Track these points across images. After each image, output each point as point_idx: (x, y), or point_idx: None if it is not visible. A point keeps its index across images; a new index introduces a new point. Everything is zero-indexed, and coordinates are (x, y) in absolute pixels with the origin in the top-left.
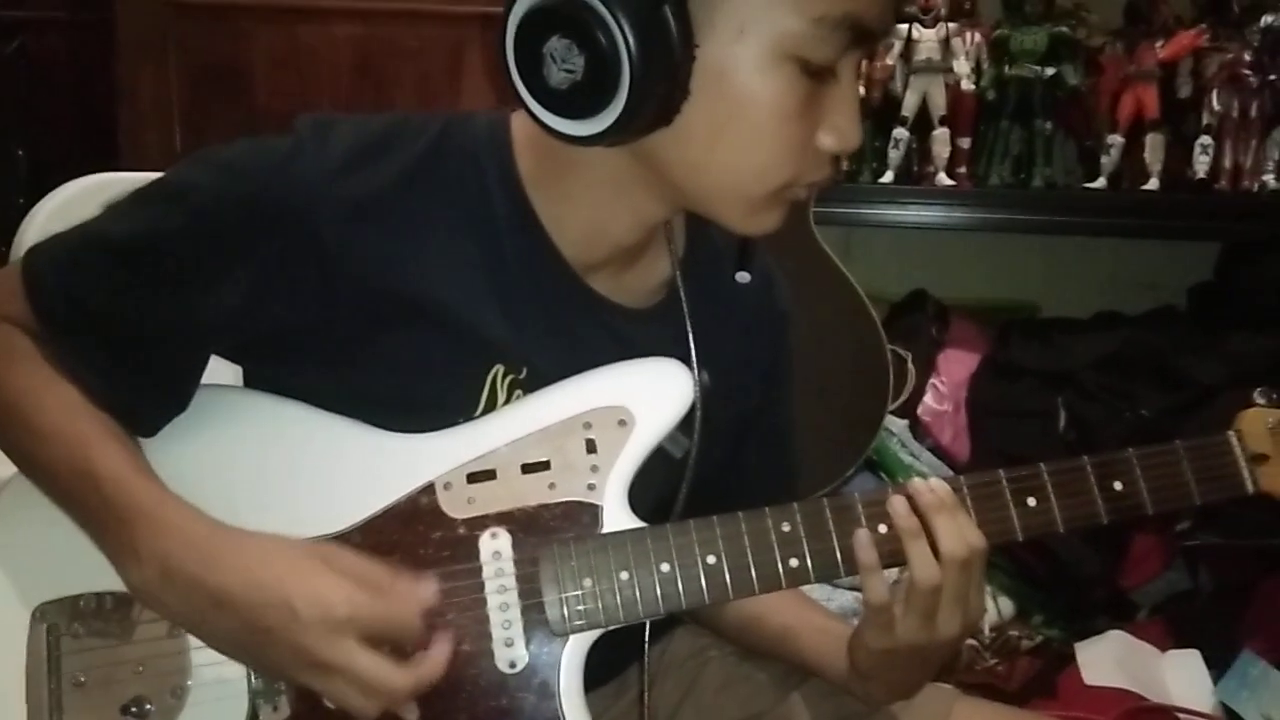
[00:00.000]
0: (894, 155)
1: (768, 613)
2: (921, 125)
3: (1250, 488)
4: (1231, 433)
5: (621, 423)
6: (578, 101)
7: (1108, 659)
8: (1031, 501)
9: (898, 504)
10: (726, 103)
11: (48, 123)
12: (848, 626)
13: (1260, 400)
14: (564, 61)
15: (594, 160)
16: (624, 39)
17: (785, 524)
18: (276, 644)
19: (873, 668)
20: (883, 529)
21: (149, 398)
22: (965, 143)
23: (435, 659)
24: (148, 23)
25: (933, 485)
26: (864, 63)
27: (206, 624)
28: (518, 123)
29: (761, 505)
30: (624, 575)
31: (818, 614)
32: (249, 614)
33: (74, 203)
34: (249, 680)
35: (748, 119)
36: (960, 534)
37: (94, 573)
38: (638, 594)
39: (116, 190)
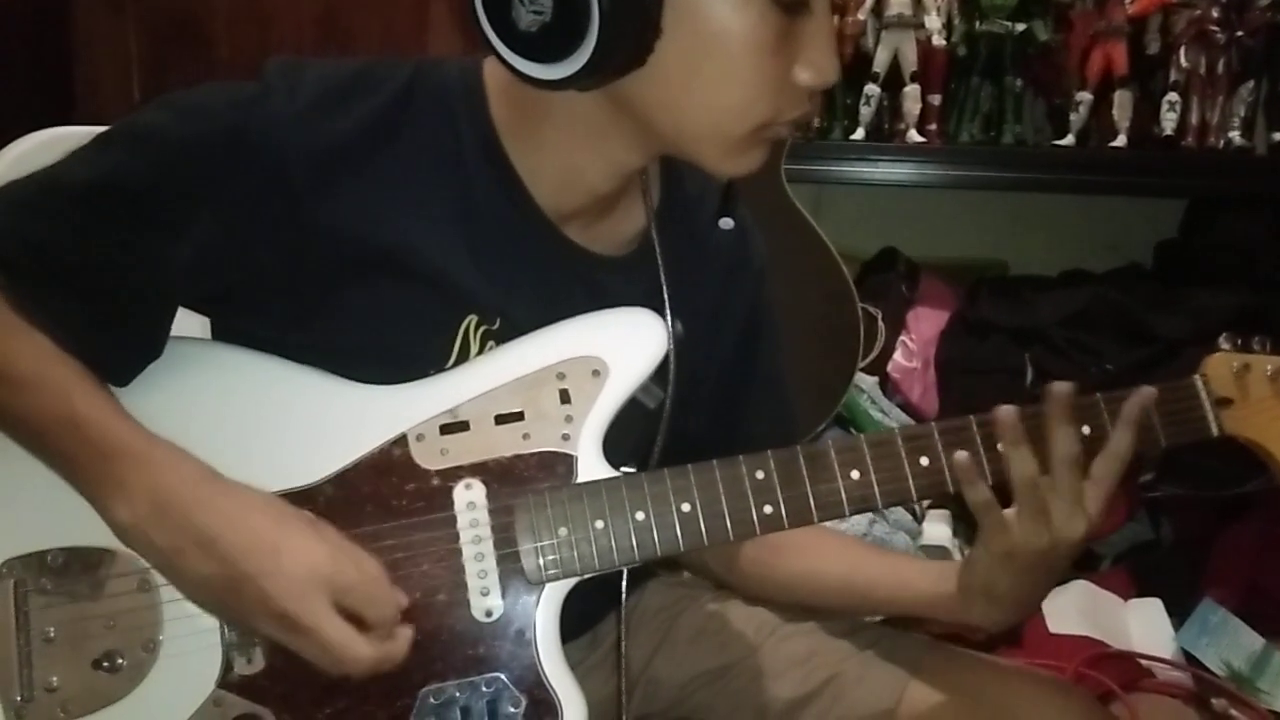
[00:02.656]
0: (865, 112)
1: (822, 564)
2: (893, 82)
3: (1215, 430)
4: (1197, 376)
5: (595, 373)
6: (548, 44)
7: (1071, 608)
8: (1001, 447)
9: (1006, 412)
10: (700, 39)
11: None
12: (918, 558)
13: (1226, 345)
14: (532, 3)
15: (568, 106)
16: None
17: (759, 471)
18: (251, 591)
19: (992, 577)
20: (855, 475)
21: (119, 345)
22: (936, 99)
23: (400, 641)
24: None
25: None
26: (836, 18)
27: (185, 565)
28: (490, 70)
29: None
30: (599, 524)
31: (884, 556)
32: (232, 557)
33: (29, 157)
34: (223, 633)
35: (723, 54)
36: (1071, 436)
37: (62, 528)
38: (613, 542)
39: (74, 144)
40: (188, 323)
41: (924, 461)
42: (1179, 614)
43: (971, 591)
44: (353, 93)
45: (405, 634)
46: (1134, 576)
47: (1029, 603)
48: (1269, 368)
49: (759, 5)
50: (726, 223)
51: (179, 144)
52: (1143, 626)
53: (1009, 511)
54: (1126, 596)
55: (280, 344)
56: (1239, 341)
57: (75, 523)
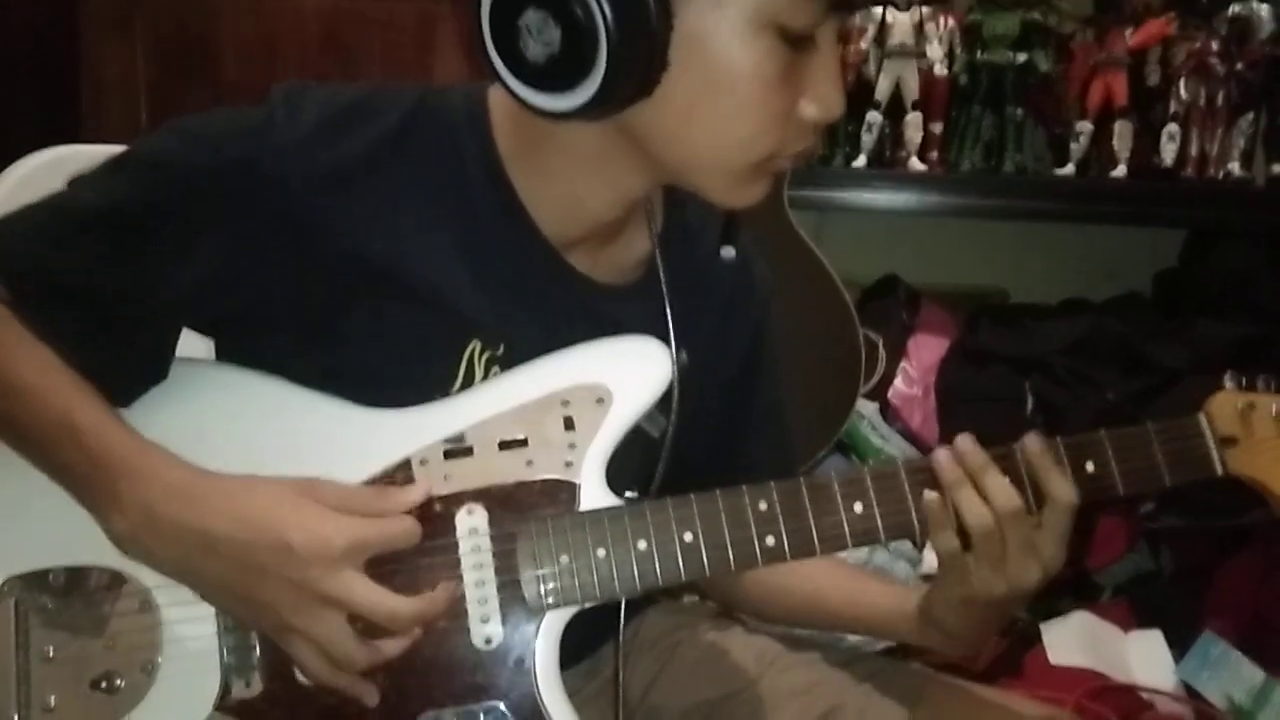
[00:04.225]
0: (867, 139)
1: (790, 581)
2: (894, 110)
3: (1220, 469)
4: (1201, 415)
5: (600, 400)
6: (555, 75)
7: (1072, 639)
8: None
9: (942, 457)
10: (707, 73)
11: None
12: (882, 578)
13: (1230, 384)
14: (540, 35)
15: (573, 134)
16: (599, 10)
17: (762, 503)
18: (270, 582)
19: (948, 618)
20: (858, 508)
21: (124, 367)
22: (937, 128)
23: (437, 596)
24: None
25: (971, 447)
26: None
27: (196, 570)
28: (495, 97)
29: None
30: (601, 552)
31: (851, 573)
32: (241, 553)
33: (36, 176)
34: (221, 655)
35: (728, 88)
36: (1006, 488)
37: (64, 547)
38: (614, 571)
39: (80, 164)
40: (193, 343)
41: (928, 495)
42: (1180, 646)
43: (928, 623)
44: (357, 118)
45: (441, 592)
46: (1135, 607)
47: (983, 638)
48: (1274, 407)
49: (767, 41)
50: (728, 252)
51: (185, 171)
52: (1143, 658)
53: (969, 557)
54: (1127, 628)
55: (285, 367)
56: (1243, 380)
57: (77, 542)
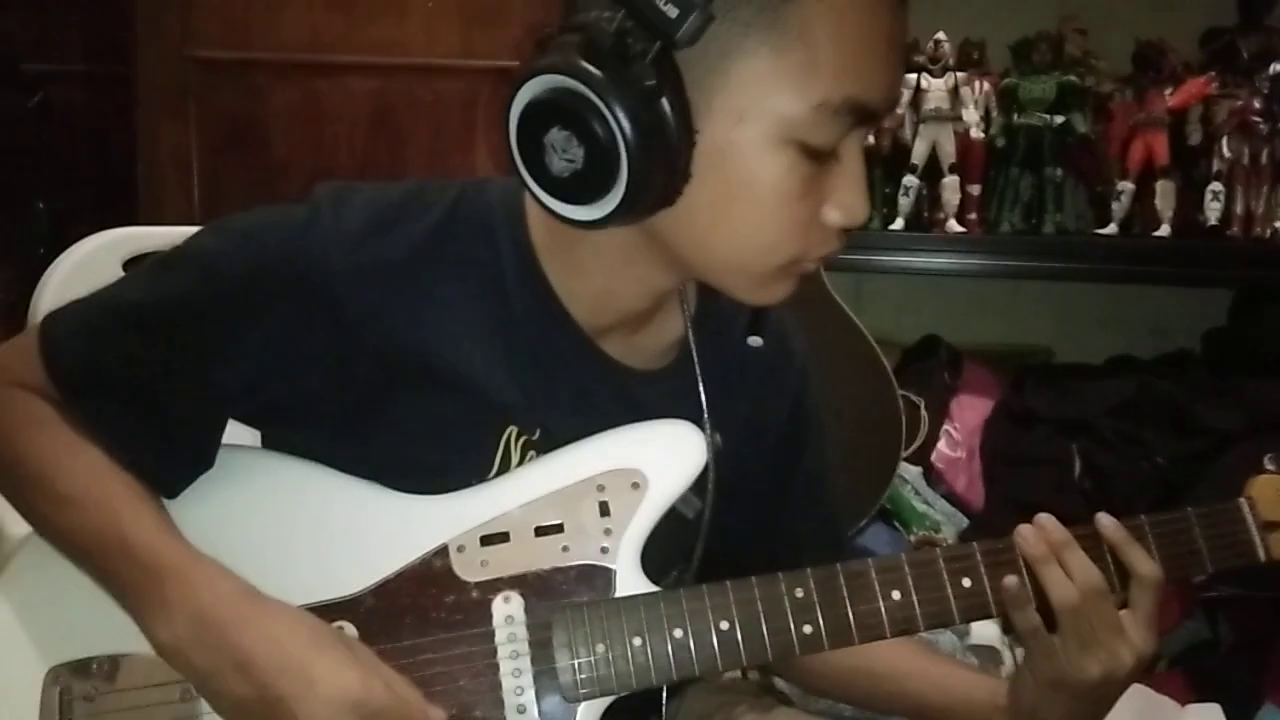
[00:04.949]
0: (904, 202)
1: (876, 665)
2: (931, 172)
3: (1263, 555)
4: (1243, 500)
5: (635, 485)
6: (580, 189)
7: (1127, 714)
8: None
9: (1027, 533)
10: (729, 185)
11: (68, 176)
12: (973, 668)
13: (1271, 467)
14: (564, 152)
15: (603, 235)
16: (621, 131)
17: (799, 590)
18: (284, 713)
19: (1040, 706)
20: (896, 595)
21: (171, 460)
22: (975, 189)
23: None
24: (168, 77)
25: (1054, 524)
26: None
27: (222, 685)
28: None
29: (812, 560)
30: (637, 641)
31: (936, 659)
32: (267, 679)
33: (94, 256)
34: None
35: (750, 200)
36: (1088, 565)
37: (108, 635)
38: (650, 660)
39: (135, 244)
40: (239, 431)
41: (966, 583)
42: (1239, 719)
43: (1020, 715)
44: (401, 216)
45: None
46: (1191, 679)
47: None
48: None
49: (789, 156)
50: (755, 341)
51: (230, 270)
52: None
53: (1055, 638)
54: (1184, 701)
55: (327, 455)
56: None
57: (121, 630)
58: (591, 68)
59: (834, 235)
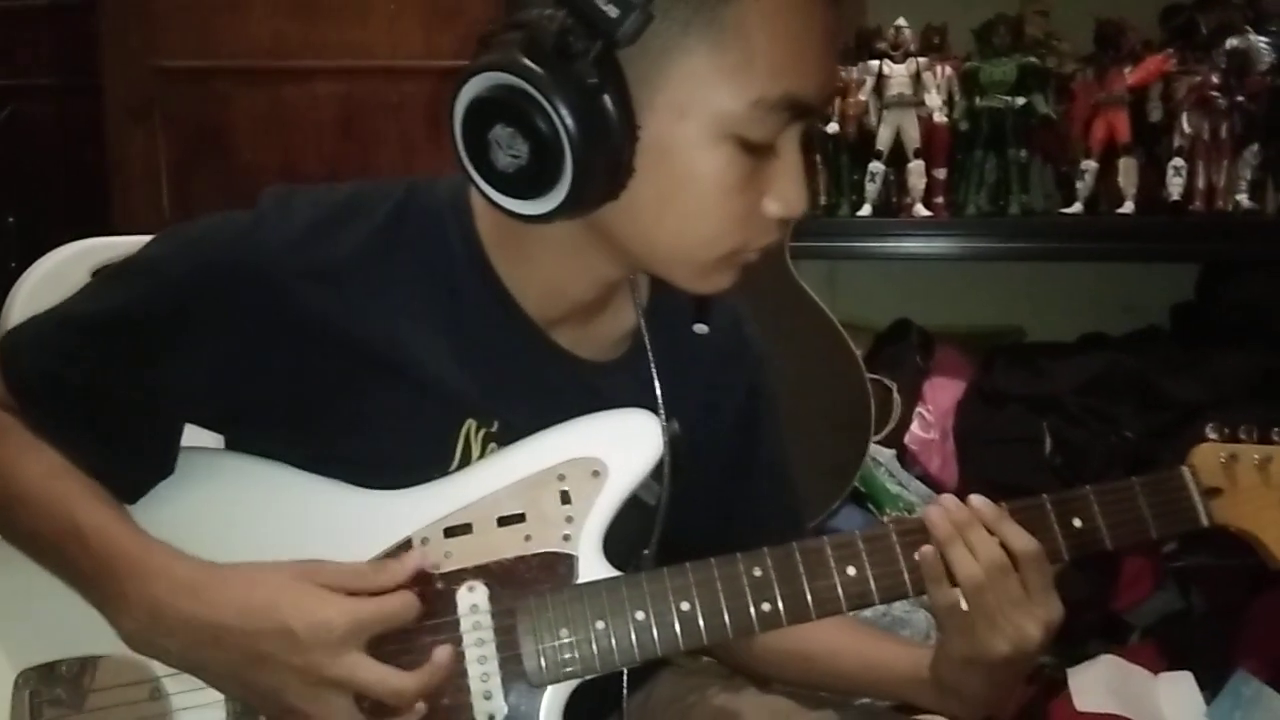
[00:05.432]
0: (871, 188)
1: (807, 646)
2: (897, 158)
3: (1205, 521)
4: (1184, 468)
5: (595, 473)
6: (525, 183)
7: (1100, 684)
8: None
9: (934, 514)
10: (671, 179)
11: (38, 188)
12: (900, 639)
13: (1212, 435)
14: (509, 148)
15: (550, 228)
16: (564, 127)
17: (757, 569)
18: (276, 669)
19: (959, 680)
20: (851, 570)
21: (126, 465)
22: (941, 173)
23: (437, 663)
24: (135, 88)
25: (960, 503)
26: (837, 100)
27: (205, 662)
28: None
29: (772, 542)
30: (600, 625)
31: (866, 636)
32: (246, 642)
33: (65, 266)
34: None
35: (692, 193)
36: (991, 543)
37: (75, 638)
38: (614, 643)
39: (104, 254)
40: (200, 432)
41: (925, 549)
42: (1211, 687)
43: (943, 688)
44: (347, 216)
45: (443, 651)
46: (1164, 648)
47: (998, 701)
48: (1256, 456)
49: (728, 151)
50: (701, 329)
51: (180, 278)
52: (1174, 701)
53: (967, 616)
54: (1157, 670)
55: (288, 455)
56: (1225, 431)
57: (87, 633)
58: (535, 65)
59: (774, 226)
